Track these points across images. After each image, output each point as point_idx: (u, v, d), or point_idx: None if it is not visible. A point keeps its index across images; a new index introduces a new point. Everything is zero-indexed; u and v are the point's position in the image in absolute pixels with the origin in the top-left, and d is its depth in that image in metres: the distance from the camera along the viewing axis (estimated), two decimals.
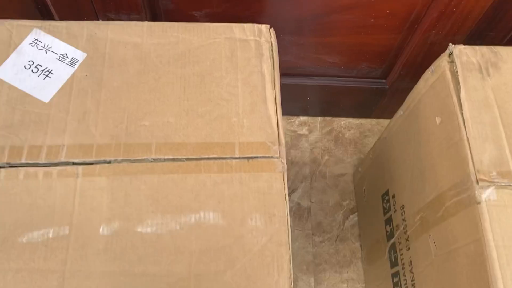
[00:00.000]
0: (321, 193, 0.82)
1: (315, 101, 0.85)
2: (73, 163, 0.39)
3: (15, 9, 0.64)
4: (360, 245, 0.77)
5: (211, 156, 0.40)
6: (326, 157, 0.86)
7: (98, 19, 0.63)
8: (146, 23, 0.46)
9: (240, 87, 0.43)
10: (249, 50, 0.45)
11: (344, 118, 0.90)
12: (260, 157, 0.40)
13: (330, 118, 0.90)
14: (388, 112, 0.88)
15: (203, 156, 0.39)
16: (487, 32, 0.64)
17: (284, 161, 0.40)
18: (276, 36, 0.46)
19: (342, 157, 0.86)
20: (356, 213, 0.80)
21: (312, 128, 0.89)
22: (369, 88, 0.79)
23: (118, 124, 0.41)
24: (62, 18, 0.63)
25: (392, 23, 0.62)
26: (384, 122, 0.90)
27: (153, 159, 0.39)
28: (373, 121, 0.91)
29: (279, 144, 0.41)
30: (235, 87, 0.43)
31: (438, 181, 0.46)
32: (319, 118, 0.90)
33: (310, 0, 0.59)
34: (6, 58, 0.43)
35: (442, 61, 0.46)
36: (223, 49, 0.45)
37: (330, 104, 0.86)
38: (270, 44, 0.46)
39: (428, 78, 0.49)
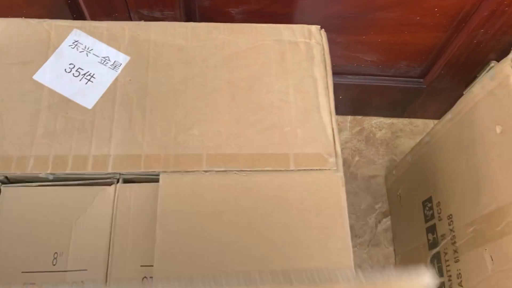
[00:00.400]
0: (352, 196, 0.79)
1: (347, 99, 0.82)
2: (120, 174, 0.37)
3: (43, 3, 0.62)
4: (394, 250, 0.75)
5: (265, 168, 0.37)
6: (357, 158, 0.83)
7: (130, 16, 0.60)
8: (190, 24, 0.43)
9: (292, 93, 0.41)
10: (299, 53, 0.43)
11: (375, 117, 0.87)
12: (317, 169, 0.37)
13: (360, 117, 0.87)
14: (421, 111, 0.85)
15: (256, 169, 0.37)
16: None
17: (342, 174, 0.38)
18: None
19: (374, 158, 0.83)
20: (389, 217, 0.78)
21: (342, 128, 0.86)
22: (405, 87, 0.76)
23: (166, 133, 0.38)
24: (93, 13, 0.61)
25: (439, 21, 0.59)
26: (417, 121, 0.87)
27: (205, 171, 0.37)
28: (405, 120, 0.88)
29: (336, 156, 0.38)
30: (286, 93, 0.41)
31: (498, 194, 0.43)
32: (349, 117, 0.87)
33: None
34: (45, 60, 0.40)
35: (505, 66, 0.44)
36: (272, 52, 0.42)
37: (362, 103, 0.84)
38: (322, 46, 0.43)
39: (486, 84, 0.46)
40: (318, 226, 0.35)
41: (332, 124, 0.40)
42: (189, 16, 0.60)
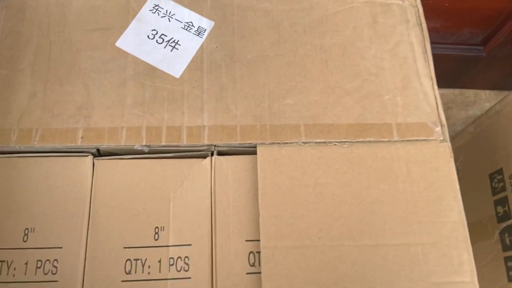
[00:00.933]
0: None
1: None
2: (215, 146, 0.35)
3: None
4: None
5: (366, 139, 0.35)
6: None
7: None
8: None
9: (388, 59, 0.38)
10: (392, 16, 0.40)
11: None
12: (422, 140, 0.35)
13: None
14: (474, 81, 0.82)
15: (358, 139, 0.35)
16: None
17: (449, 144, 0.35)
18: None
19: None
20: None
21: None
22: (463, 55, 0.73)
23: (259, 103, 0.36)
24: None
25: None
26: (468, 92, 0.84)
27: (303, 142, 0.35)
28: (456, 91, 0.85)
29: (441, 125, 0.36)
30: (382, 59, 0.38)
31: None
32: None
33: None
34: (126, 26, 0.38)
35: None
36: (364, 15, 0.40)
37: None
38: (416, 8, 0.40)
39: None
40: (428, 199, 0.34)
41: (434, 91, 0.37)
42: None
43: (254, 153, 0.35)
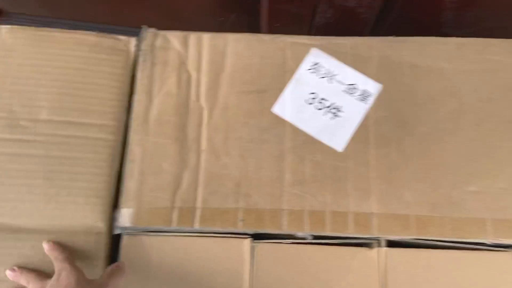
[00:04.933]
0: None
1: None
2: (387, 241, 0.31)
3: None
4: None
5: None
6: None
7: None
8: (453, 39, 0.35)
9: None
10: None
11: None
12: None
13: None
14: None
15: None
16: None
17: None
18: None
19: None
20: None
21: None
22: None
23: (436, 188, 0.32)
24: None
25: None
26: None
27: (490, 245, 0.30)
28: None
29: None
30: None
31: None
32: None
33: None
34: (282, 87, 0.35)
35: None
36: None
37: None
38: None
39: None
40: None
41: None
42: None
43: (429, 246, 0.31)
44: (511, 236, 0.30)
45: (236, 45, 0.36)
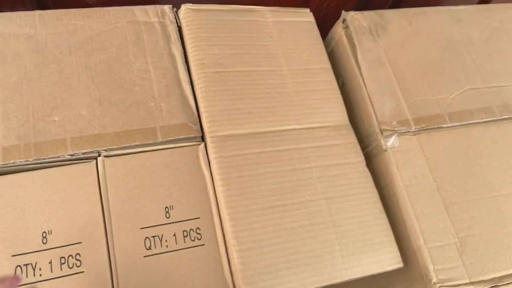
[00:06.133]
0: None
1: None
2: None
3: None
4: None
5: (133, 144, 0.38)
6: None
7: None
8: (37, 12, 0.42)
9: (152, 71, 0.42)
10: (155, 33, 0.44)
11: None
12: (183, 138, 0.40)
13: None
14: None
15: (125, 145, 0.38)
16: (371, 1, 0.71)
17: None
18: None
19: None
20: None
21: None
22: None
23: (23, 123, 0.37)
24: None
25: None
26: None
27: (70, 155, 0.37)
28: None
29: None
30: (146, 71, 0.42)
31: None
32: None
33: None
34: None
35: (338, 28, 0.50)
36: (128, 34, 0.43)
37: None
38: (175, 25, 0.45)
39: (327, 45, 0.53)
40: None
41: (194, 96, 0.42)
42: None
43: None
44: (85, 146, 0.37)
45: None
